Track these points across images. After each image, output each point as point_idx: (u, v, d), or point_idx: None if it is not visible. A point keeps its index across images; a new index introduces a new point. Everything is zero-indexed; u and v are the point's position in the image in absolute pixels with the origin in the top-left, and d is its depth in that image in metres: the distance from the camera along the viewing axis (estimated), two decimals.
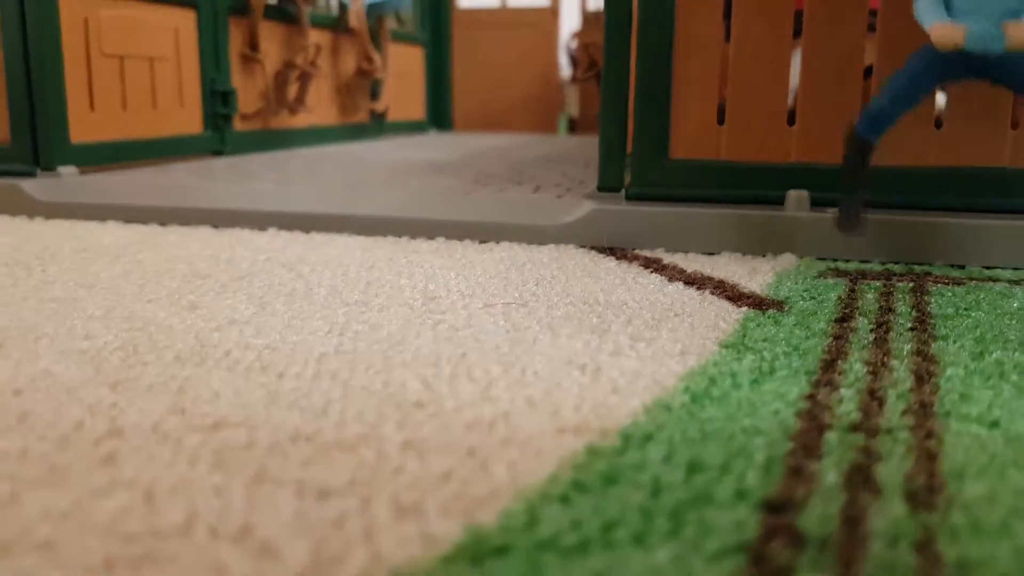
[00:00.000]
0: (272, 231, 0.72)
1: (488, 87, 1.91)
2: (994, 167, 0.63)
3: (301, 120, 1.35)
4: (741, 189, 0.67)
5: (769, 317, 0.47)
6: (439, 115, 1.83)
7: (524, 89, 1.91)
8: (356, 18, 1.45)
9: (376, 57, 1.50)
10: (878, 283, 0.55)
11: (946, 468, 0.29)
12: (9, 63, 0.86)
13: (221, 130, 1.15)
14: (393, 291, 0.52)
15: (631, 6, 0.66)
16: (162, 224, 0.76)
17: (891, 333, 0.44)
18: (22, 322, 0.45)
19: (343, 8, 1.48)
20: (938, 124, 0.64)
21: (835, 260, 0.62)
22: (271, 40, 1.25)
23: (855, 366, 0.39)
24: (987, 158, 0.63)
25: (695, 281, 0.55)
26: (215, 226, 0.74)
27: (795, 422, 0.33)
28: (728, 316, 0.47)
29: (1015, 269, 0.59)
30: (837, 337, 0.43)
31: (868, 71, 0.65)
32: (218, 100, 1.14)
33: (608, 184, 0.69)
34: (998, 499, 0.27)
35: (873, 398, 0.35)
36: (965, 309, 0.49)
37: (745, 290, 0.53)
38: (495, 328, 0.45)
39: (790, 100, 0.68)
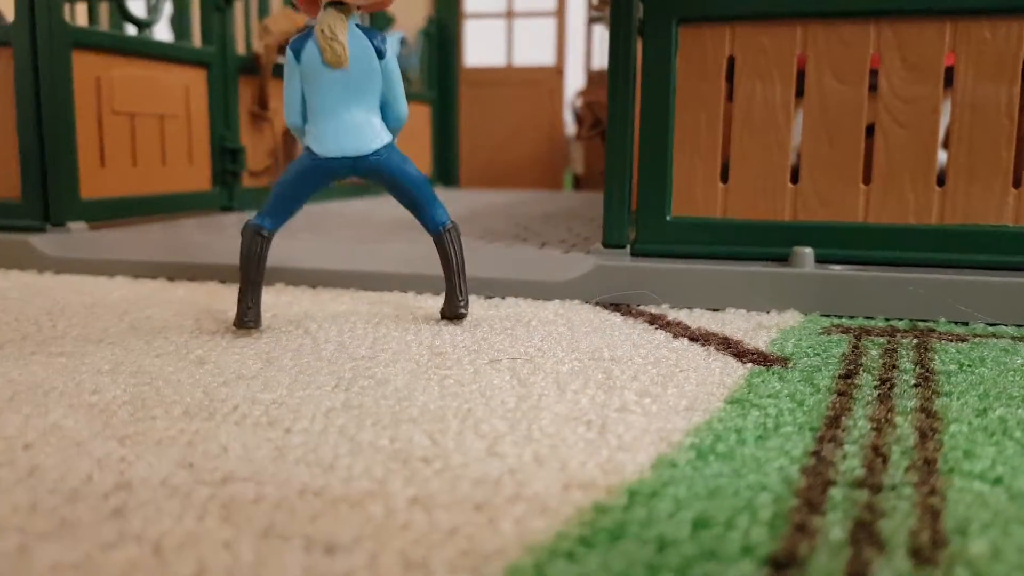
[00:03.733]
0: (279, 286, 0.73)
1: (494, 145, 1.93)
2: (997, 225, 0.64)
3: None
4: (745, 246, 0.67)
5: (774, 373, 0.47)
6: (445, 172, 1.85)
7: (530, 147, 1.93)
8: None
9: None
10: (882, 339, 0.55)
11: (950, 524, 0.29)
12: (22, 120, 0.87)
13: (230, 187, 1.17)
14: (400, 346, 0.53)
15: (635, 65, 0.68)
16: (170, 279, 0.76)
17: (895, 389, 0.44)
18: (31, 376, 0.46)
19: None
20: (940, 182, 0.65)
21: (839, 316, 0.62)
22: (280, 98, 1.27)
23: (859, 422, 0.39)
24: (990, 216, 0.64)
25: (700, 337, 0.55)
26: (223, 281, 0.75)
27: (800, 478, 0.33)
28: (733, 372, 0.47)
29: (1018, 326, 0.59)
30: (841, 393, 0.44)
31: (870, 129, 0.66)
32: (227, 157, 1.15)
33: (613, 240, 0.70)
34: (1001, 555, 0.27)
35: (877, 454, 0.35)
36: (969, 366, 0.49)
37: (750, 346, 0.53)
38: (501, 384, 0.45)
39: (792, 158, 0.69)
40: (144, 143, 1.02)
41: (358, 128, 0.56)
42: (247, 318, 0.57)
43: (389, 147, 0.57)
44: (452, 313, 0.59)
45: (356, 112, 0.56)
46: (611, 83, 0.68)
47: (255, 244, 0.58)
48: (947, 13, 0.63)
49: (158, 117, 1.04)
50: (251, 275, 0.58)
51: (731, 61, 0.67)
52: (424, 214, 0.59)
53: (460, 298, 0.59)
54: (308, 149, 0.57)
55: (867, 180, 0.66)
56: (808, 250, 0.64)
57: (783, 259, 0.66)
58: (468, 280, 0.68)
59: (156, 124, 1.04)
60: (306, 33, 0.56)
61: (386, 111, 0.58)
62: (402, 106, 0.58)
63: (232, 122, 1.16)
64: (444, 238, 0.59)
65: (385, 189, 0.59)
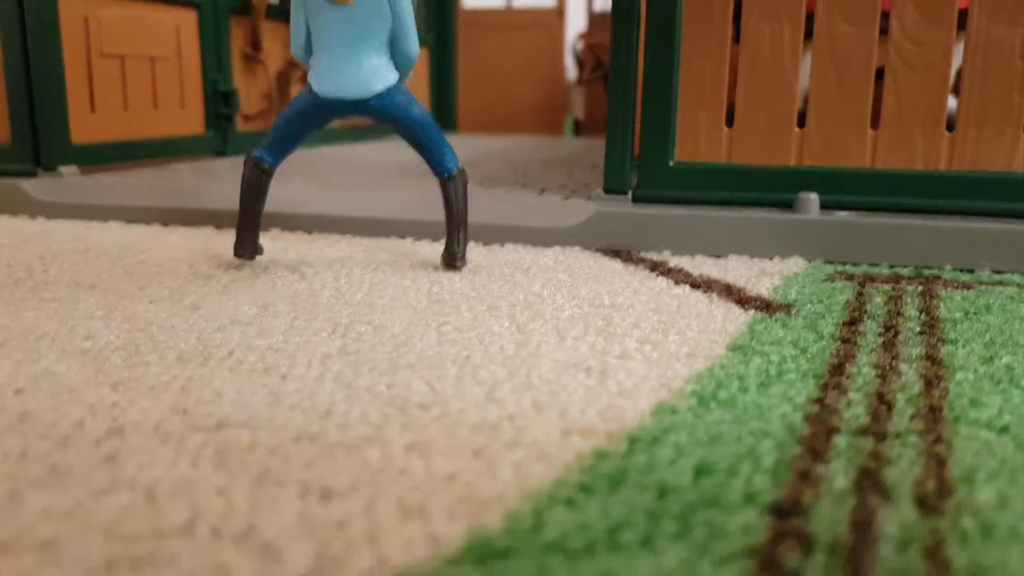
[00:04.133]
0: (275, 232, 0.72)
1: (493, 88, 1.91)
2: (1007, 172, 0.63)
3: None
4: (749, 192, 0.66)
5: (777, 320, 0.46)
6: (443, 117, 1.83)
7: (530, 91, 1.91)
8: None
9: None
10: (887, 287, 0.55)
11: (956, 473, 0.29)
12: (9, 63, 0.85)
13: (223, 130, 1.15)
14: (397, 293, 0.52)
15: (639, 6, 0.66)
16: (164, 225, 0.75)
17: (900, 337, 0.44)
18: (23, 322, 0.45)
19: None
20: (950, 127, 0.64)
21: (843, 263, 0.62)
22: (273, 40, 1.25)
23: (863, 370, 0.39)
24: (999, 163, 0.63)
25: (702, 284, 0.55)
26: (217, 227, 0.74)
27: (803, 425, 0.32)
28: (735, 319, 0.47)
29: None
30: (845, 340, 0.43)
31: (879, 73, 0.65)
32: (220, 100, 1.14)
33: (614, 186, 0.69)
34: (1008, 504, 0.27)
35: (882, 402, 0.35)
36: (974, 313, 0.48)
37: (752, 293, 0.52)
38: (500, 330, 0.44)
39: (800, 102, 0.67)
40: (135, 86, 1.00)
41: (360, 69, 0.55)
42: (243, 249, 0.59)
43: (393, 89, 0.56)
44: (448, 264, 0.58)
45: (359, 51, 0.55)
46: (614, 24, 0.67)
47: (255, 177, 0.58)
48: None
49: (148, 59, 1.02)
50: (249, 207, 0.58)
51: (738, 2, 0.66)
52: (431, 158, 0.58)
53: (457, 249, 0.58)
54: (310, 86, 0.56)
55: (875, 125, 0.65)
56: (813, 196, 0.64)
57: (788, 205, 0.65)
58: (468, 227, 0.68)
59: (147, 67, 1.02)
60: None
61: (394, 49, 0.56)
62: (411, 44, 0.56)
63: (224, 64, 1.14)
64: (448, 185, 0.58)
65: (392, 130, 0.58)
